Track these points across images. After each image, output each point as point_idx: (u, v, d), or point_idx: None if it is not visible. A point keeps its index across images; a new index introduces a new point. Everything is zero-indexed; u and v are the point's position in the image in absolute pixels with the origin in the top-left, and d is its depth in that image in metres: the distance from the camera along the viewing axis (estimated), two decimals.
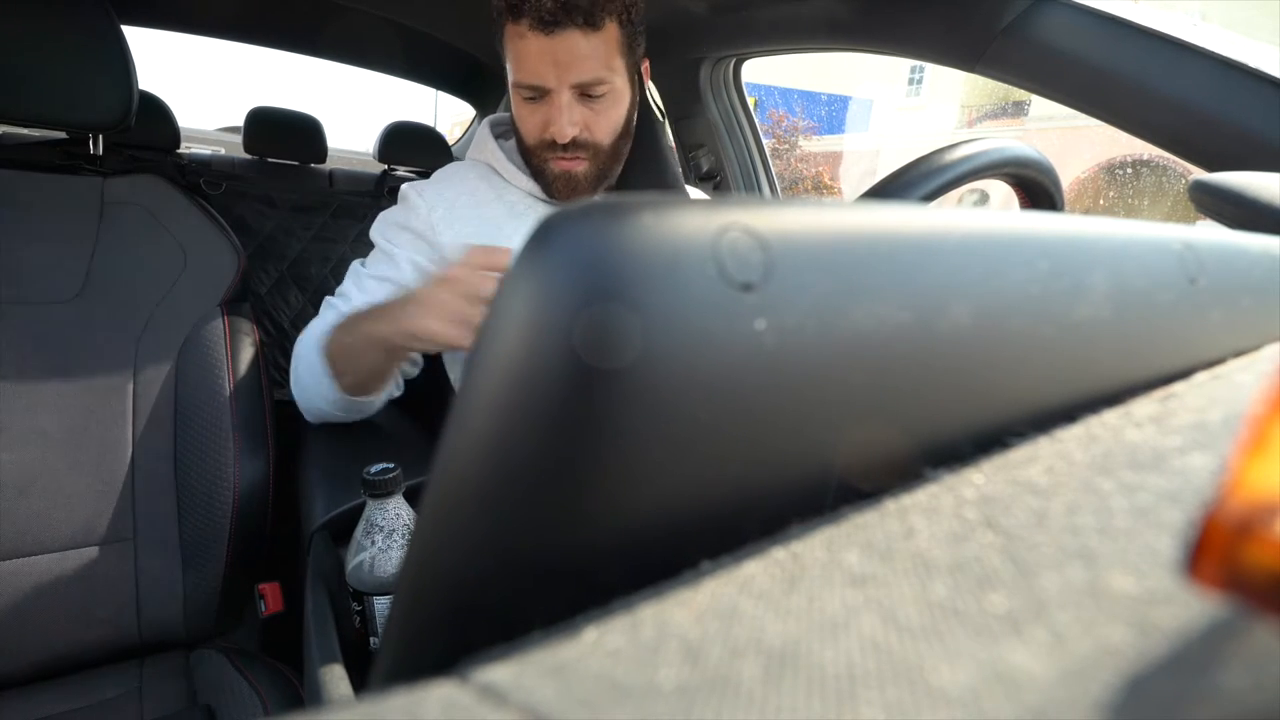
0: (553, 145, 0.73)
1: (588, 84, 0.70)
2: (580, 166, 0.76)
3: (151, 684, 0.75)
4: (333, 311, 0.78)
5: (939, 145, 0.47)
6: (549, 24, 0.66)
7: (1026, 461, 0.17)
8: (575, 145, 0.73)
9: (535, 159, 0.77)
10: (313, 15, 1.38)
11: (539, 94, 0.71)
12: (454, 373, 0.85)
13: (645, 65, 0.79)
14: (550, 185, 0.78)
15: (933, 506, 0.15)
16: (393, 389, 0.80)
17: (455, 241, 0.76)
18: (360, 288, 0.78)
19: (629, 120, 0.77)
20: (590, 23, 0.67)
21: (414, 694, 0.10)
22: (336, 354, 0.71)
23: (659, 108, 0.96)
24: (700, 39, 1.17)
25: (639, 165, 0.82)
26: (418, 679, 0.11)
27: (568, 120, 0.71)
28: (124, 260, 0.82)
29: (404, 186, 0.82)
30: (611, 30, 0.69)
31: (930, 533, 0.14)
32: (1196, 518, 0.11)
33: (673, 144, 0.86)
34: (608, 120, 0.74)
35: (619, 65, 0.72)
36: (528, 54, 0.69)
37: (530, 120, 0.74)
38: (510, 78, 0.73)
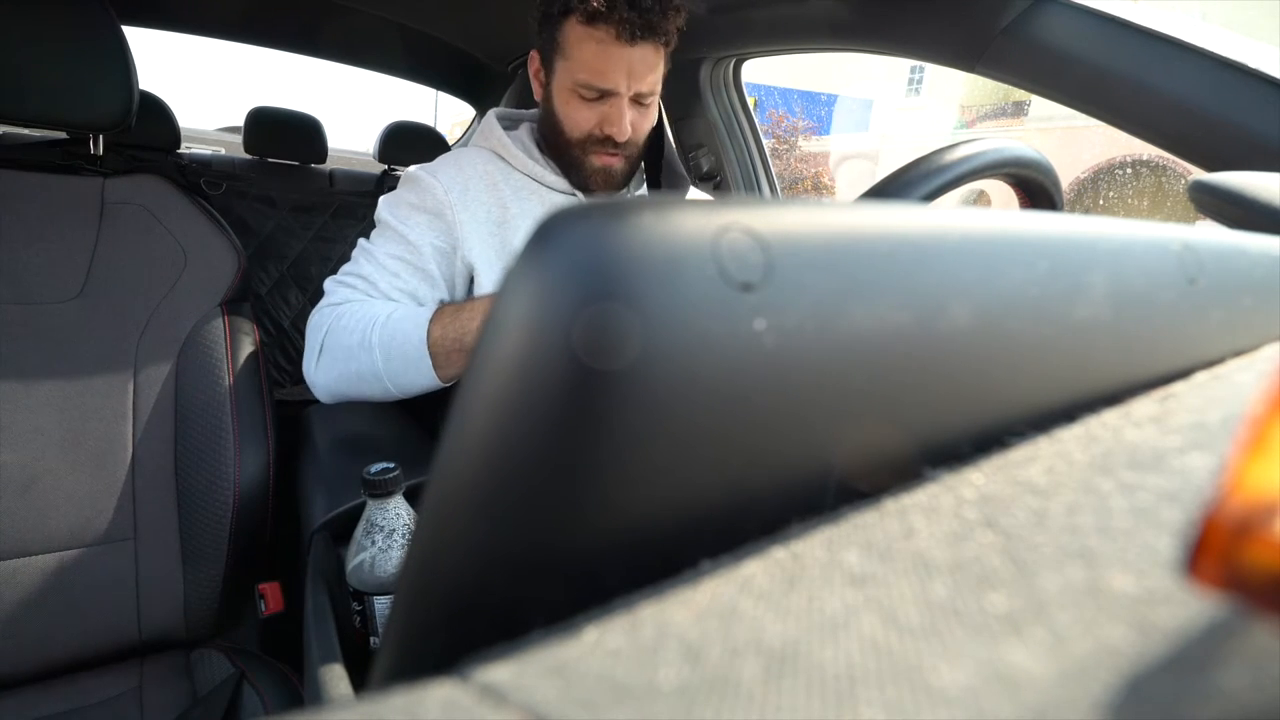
0: (603, 141, 0.78)
1: (646, 93, 0.77)
2: (619, 163, 0.81)
3: (152, 684, 0.75)
4: (346, 289, 0.79)
5: (939, 145, 0.47)
6: (632, 36, 0.71)
7: (1026, 461, 0.17)
8: (625, 144, 0.79)
9: (575, 150, 0.80)
10: (313, 15, 1.38)
11: (602, 95, 0.76)
12: None
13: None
14: (588, 178, 0.82)
15: (933, 506, 0.15)
16: None
17: (470, 222, 0.78)
18: (377, 264, 0.79)
19: (658, 123, 0.84)
20: (666, 40, 0.74)
21: (414, 694, 0.10)
22: (446, 352, 0.73)
23: None
24: (700, 39, 1.17)
25: (662, 160, 0.89)
26: (418, 679, 0.11)
27: (627, 122, 0.76)
28: (124, 260, 0.82)
29: (411, 169, 0.84)
30: (669, 46, 0.76)
31: (930, 533, 0.14)
32: (1196, 518, 0.11)
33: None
34: (649, 122, 0.81)
35: (661, 76, 0.78)
36: (603, 59, 0.73)
37: (582, 115, 0.78)
38: (568, 77, 0.76)
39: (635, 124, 0.78)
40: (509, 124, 0.89)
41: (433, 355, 0.72)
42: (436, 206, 0.79)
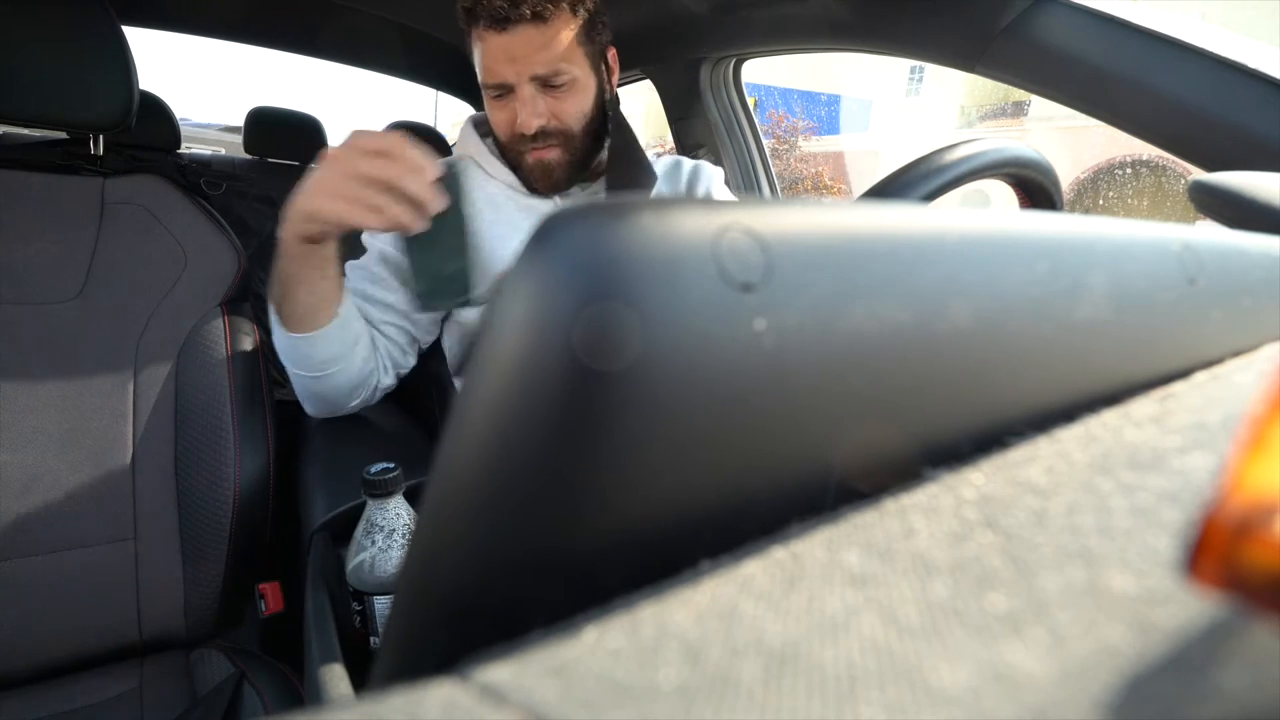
0: (524, 138, 0.76)
1: (546, 76, 0.72)
2: (553, 154, 0.78)
3: (152, 684, 0.75)
4: None
5: (939, 145, 0.47)
6: (501, 21, 0.69)
7: (1026, 461, 0.17)
8: (544, 134, 0.75)
9: (511, 153, 0.80)
10: (313, 15, 1.38)
11: (504, 91, 0.74)
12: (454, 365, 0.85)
13: (613, 54, 0.80)
14: (528, 176, 0.81)
15: (933, 506, 0.15)
16: (364, 352, 0.76)
17: None
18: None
19: (598, 107, 0.79)
20: (539, 15, 0.69)
21: (414, 694, 0.10)
22: (273, 295, 0.69)
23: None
24: (700, 39, 1.17)
25: (616, 155, 0.84)
26: (418, 679, 0.11)
27: (531, 111, 0.73)
28: (124, 260, 0.82)
29: None
30: (563, 21, 0.71)
31: (930, 533, 0.14)
32: (1196, 518, 0.11)
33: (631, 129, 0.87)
34: (574, 106, 0.76)
35: (578, 55, 0.74)
36: (487, 54, 0.72)
37: (499, 116, 0.77)
38: (480, 81, 0.76)
39: (552, 110, 0.75)
40: (486, 129, 0.88)
41: (275, 309, 0.69)
42: None
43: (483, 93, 0.77)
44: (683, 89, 1.30)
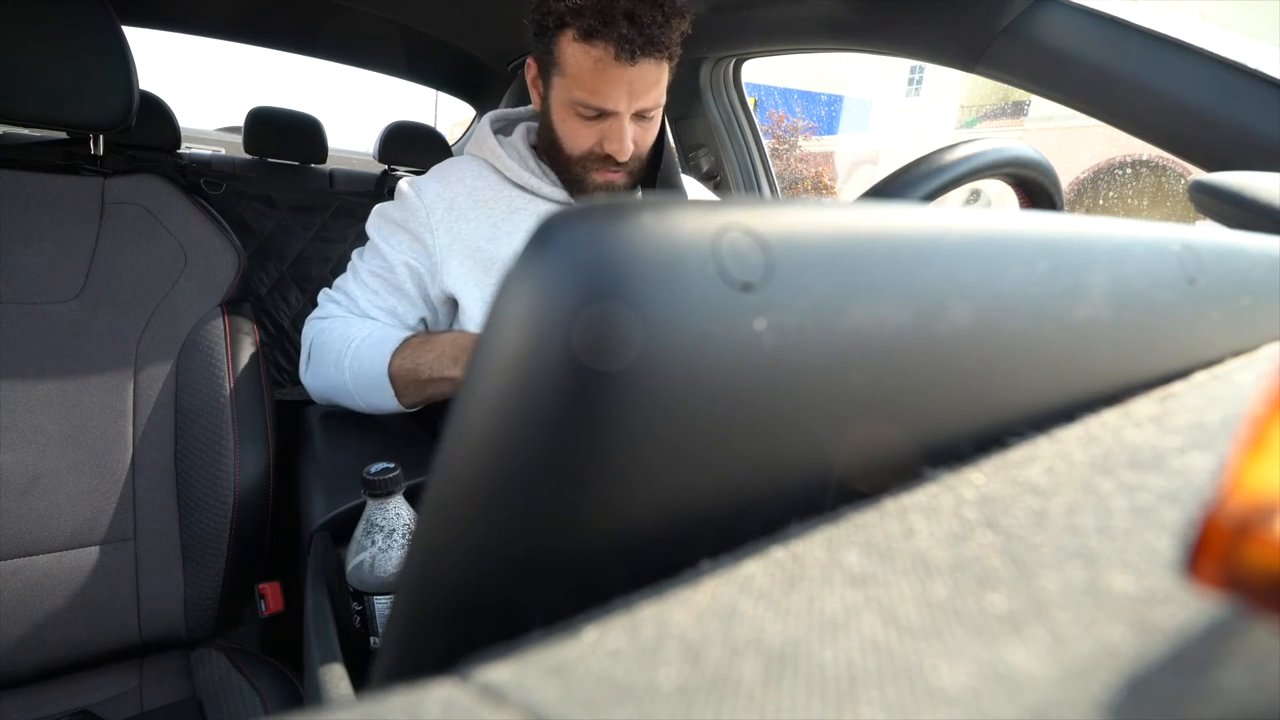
0: (604, 159, 0.75)
1: (650, 108, 0.73)
2: (622, 179, 0.78)
3: (152, 684, 0.75)
4: (332, 304, 0.81)
5: (939, 145, 0.47)
6: (631, 53, 0.67)
7: (1026, 461, 0.17)
8: (627, 160, 0.76)
9: (575, 168, 0.78)
10: (313, 15, 1.38)
11: (600, 114, 0.72)
12: None
13: None
14: (587, 194, 0.79)
15: (933, 506, 0.15)
16: None
17: (451, 245, 0.77)
18: (360, 281, 0.80)
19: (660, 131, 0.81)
20: (669, 55, 0.70)
21: (414, 694, 0.10)
22: (404, 382, 0.74)
23: None
24: (700, 39, 1.16)
25: (658, 173, 0.85)
26: (418, 679, 0.11)
27: (630, 140, 0.73)
28: (124, 260, 0.82)
29: (401, 182, 0.82)
30: (674, 57, 0.73)
31: (930, 533, 0.14)
32: (1196, 518, 0.11)
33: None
34: (652, 135, 0.78)
35: (665, 84, 0.75)
36: (600, 78, 0.69)
37: (582, 134, 0.75)
38: (565, 93, 0.73)
39: (638, 140, 0.75)
40: (503, 126, 0.86)
41: (393, 384, 0.74)
42: (416, 228, 0.78)
43: (561, 104, 0.74)
44: (683, 89, 1.30)
